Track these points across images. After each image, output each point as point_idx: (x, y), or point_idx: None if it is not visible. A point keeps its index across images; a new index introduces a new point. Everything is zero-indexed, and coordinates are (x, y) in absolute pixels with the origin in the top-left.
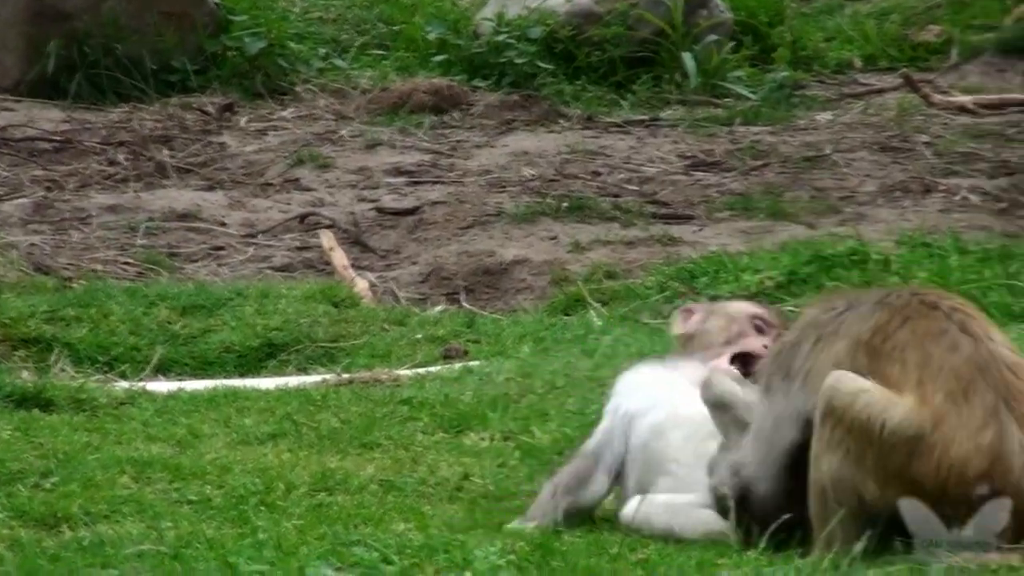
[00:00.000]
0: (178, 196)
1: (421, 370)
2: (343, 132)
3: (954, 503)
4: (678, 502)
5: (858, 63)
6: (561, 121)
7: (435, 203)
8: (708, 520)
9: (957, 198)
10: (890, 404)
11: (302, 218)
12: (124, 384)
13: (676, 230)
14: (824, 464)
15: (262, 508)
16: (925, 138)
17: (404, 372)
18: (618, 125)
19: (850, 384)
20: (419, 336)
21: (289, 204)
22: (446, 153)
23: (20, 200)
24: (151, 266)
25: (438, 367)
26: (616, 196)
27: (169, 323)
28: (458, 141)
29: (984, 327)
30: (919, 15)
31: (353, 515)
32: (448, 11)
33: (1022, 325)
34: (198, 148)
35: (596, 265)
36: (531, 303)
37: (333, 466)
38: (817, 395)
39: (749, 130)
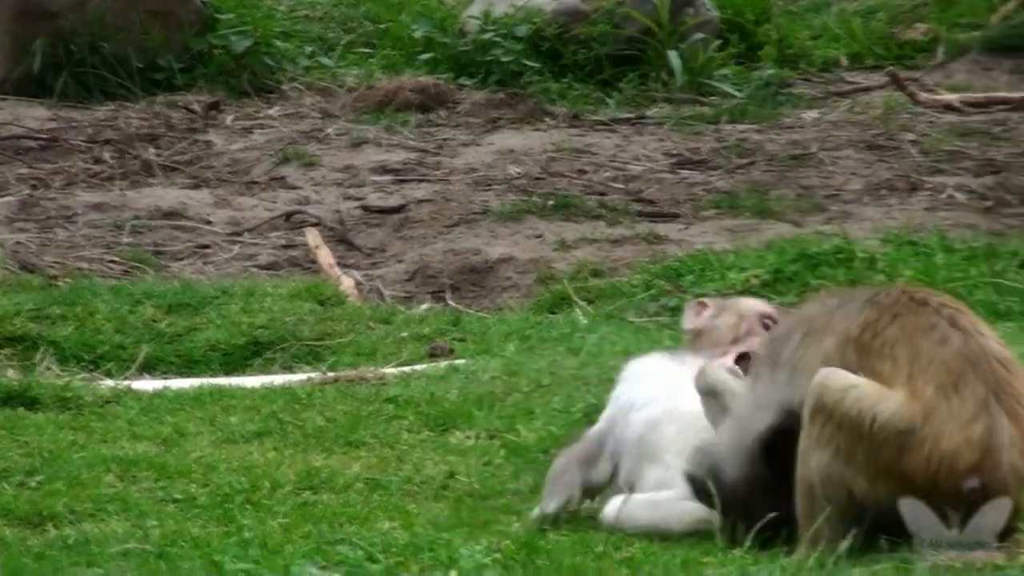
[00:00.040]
0: (164, 194)
1: (407, 368)
2: (329, 130)
3: (944, 496)
4: (660, 498)
5: (844, 61)
6: (547, 119)
7: (421, 201)
8: (692, 510)
9: (943, 196)
10: (881, 398)
11: (288, 216)
12: (109, 382)
13: (662, 228)
14: (813, 461)
15: (247, 507)
16: (911, 136)
17: (390, 370)
18: (604, 123)
19: (840, 380)
20: (405, 334)
21: (275, 202)
22: (432, 151)
23: (6, 198)
24: (137, 264)
25: (424, 365)
26: (602, 194)
27: (155, 321)
28: (444, 139)
29: (973, 322)
30: (905, 13)
31: (338, 513)
32: (434, 9)
33: (1008, 323)
34: (184, 146)
35: (582, 263)
36: (517, 301)
37: (318, 464)
38: (802, 389)
39: (735, 128)
